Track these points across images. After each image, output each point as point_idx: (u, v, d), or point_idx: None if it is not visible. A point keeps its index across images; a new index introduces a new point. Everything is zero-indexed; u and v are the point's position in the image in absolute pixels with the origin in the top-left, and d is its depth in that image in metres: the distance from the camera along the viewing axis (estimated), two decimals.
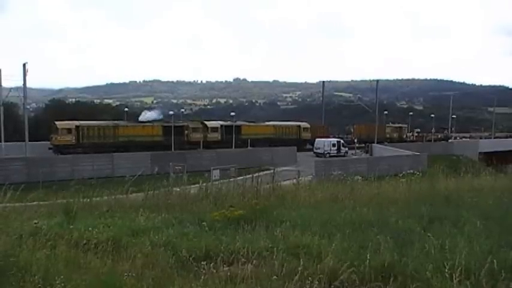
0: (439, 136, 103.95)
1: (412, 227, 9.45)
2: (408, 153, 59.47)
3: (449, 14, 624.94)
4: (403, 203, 12.75)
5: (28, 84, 61.04)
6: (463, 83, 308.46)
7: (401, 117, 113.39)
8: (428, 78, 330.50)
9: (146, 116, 76.70)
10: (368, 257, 6.89)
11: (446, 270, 6.43)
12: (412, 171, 19.39)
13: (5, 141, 58.29)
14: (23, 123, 59.68)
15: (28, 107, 65.40)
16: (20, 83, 60.53)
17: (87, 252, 7.78)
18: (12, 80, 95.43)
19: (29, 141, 58.35)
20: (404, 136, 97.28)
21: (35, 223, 8.95)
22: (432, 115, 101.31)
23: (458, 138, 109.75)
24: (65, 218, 9.85)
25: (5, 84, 61.83)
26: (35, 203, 12.89)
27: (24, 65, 59.07)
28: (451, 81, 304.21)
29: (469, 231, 8.96)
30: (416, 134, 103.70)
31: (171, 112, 76.46)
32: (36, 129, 65.39)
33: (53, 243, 7.89)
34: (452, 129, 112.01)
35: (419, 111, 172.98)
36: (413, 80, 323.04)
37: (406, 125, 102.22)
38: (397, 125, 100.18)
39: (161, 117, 76.48)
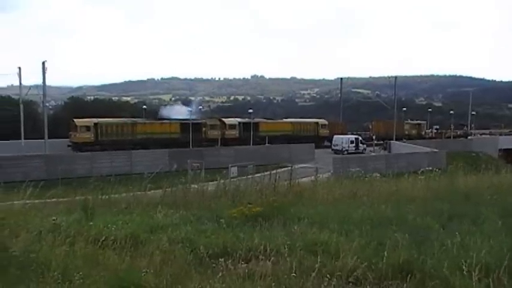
0: (458, 133, 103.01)
1: (431, 225, 9.41)
2: (427, 150, 59.07)
3: (468, 9, 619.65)
4: (422, 200, 12.69)
5: (47, 82, 61.58)
6: (483, 79, 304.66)
7: (420, 114, 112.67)
8: (447, 74, 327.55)
9: (180, 110, 77.16)
10: (386, 255, 6.87)
11: (465, 268, 6.38)
12: (430, 168, 19.29)
13: (25, 138, 58.81)
14: (42, 121, 60.15)
15: (47, 104, 65.88)
16: (39, 81, 61.12)
17: (105, 248, 7.83)
18: (32, 78, 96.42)
19: (48, 138, 58.81)
20: (423, 133, 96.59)
21: (54, 220, 9.01)
22: (451, 112, 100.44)
23: (477, 135, 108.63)
24: (83, 214, 9.92)
25: (24, 82, 62.48)
26: (54, 199, 13.00)
27: (43, 63, 59.57)
28: (471, 77, 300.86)
29: (489, 228, 8.89)
30: (435, 131, 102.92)
31: (189, 109, 76.66)
32: (55, 127, 65.86)
33: (71, 239, 7.95)
34: (472, 125, 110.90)
35: (438, 107, 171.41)
36: (432, 76, 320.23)
37: (424, 122, 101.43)
38: (415, 122, 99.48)
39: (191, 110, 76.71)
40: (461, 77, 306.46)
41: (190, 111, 74.89)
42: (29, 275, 6.45)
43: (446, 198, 12.66)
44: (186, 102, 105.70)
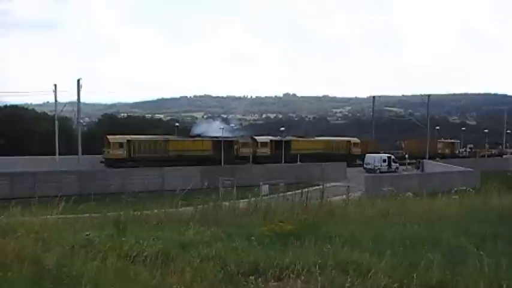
0: (493, 152, 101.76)
1: (465, 245, 9.25)
2: (460, 169, 58.37)
3: (502, 26, 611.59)
4: (455, 220, 12.50)
5: (82, 99, 62.79)
6: None
7: (454, 133, 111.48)
8: (482, 92, 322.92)
9: (218, 127, 77.94)
10: (418, 275, 6.77)
11: None
12: (464, 187, 19.04)
13: (59, 154, 59.79)
14: (77, 137, 61.17)
15: (81, 121, 66.96)
16: (74, 98, 62.41)
17: (136, 264, 7.86)
18: (67, 95, 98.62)
19: (82, 154, 59.72)
20: (457, 152, 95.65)
21: (87, 235, 9.11)
22: (486, 130, 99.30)
23: None
24: (115, 230, 9.99)
25: (60, 99, 63.74)
26: (86, 215, 13.12)
27: (78, 80, 60.82)
28: (506, 95, 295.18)
29: None
30: (469, 150, 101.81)
31: (221, 127, 77.16)
32: (89, 143, 66.87)
33: (104, 254, 8.00)
34: (507, 144, 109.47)
35: (472, 126, 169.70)
36: (465, 94, 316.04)
37: (458, 141, 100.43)
38: (449, 141, 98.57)
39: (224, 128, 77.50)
40: (495, 95, 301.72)
41: (222, 128, 75.32)
42: None
43: (481, 218, 12.46)
44: (224, 120, 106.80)
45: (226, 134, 74.30)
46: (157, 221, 12.09)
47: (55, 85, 62.34)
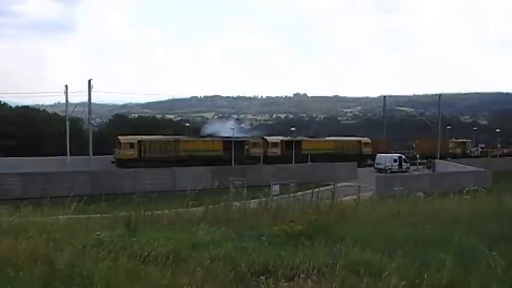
0: (505, 151, 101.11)
1: (477, 245, 9.20)
2: (472, 169, 58.00)
3: None
4: (467, 220, 12.44)
5: (93, 100, 63.04)
6: None
7: (465, 132, 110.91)
8: (493, 91, 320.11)
9: (232, 126, 78.18)
10: (429, 275, 6.75)
11: None
12: (476, 187, 18.91)
13: (70, 154, 60.01)
14: (88, 138, 61.42)
15: (92, 122, 67.25)
16: (85, 99, 62.57)
17: (147, 264, 7.88)
18: (78, 96, 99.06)
19: (93, 155, 59.98)
20: (468, 151, 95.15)
21: (98, 235, 9.13)
22: (497, 130, 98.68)
23: None
24: (126, 230, 10.02)
25: (71, 100, 63.91)
26: (98, 215, 13.16)
27: (89, 81, 61.00)
28: None
29: None
30: (480, 150, 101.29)
31: (232, 127, 77.19)
32: (100, 144, 67.11)
33: (115, 254, 8.02)
34: None
35: (483, 125, 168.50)
36: (477, 93, 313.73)
37: (470, 140, 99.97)
38: (460, 140, 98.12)
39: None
40: (508, 94, 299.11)
41: (233, 129, 75.38)
42: None
43: (493, 218, 12.40)
44: (235, 120, 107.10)
45: (237, 134, 74.30)
46: (168, 221, 12.10)
47: (66, 86, 62.51)
